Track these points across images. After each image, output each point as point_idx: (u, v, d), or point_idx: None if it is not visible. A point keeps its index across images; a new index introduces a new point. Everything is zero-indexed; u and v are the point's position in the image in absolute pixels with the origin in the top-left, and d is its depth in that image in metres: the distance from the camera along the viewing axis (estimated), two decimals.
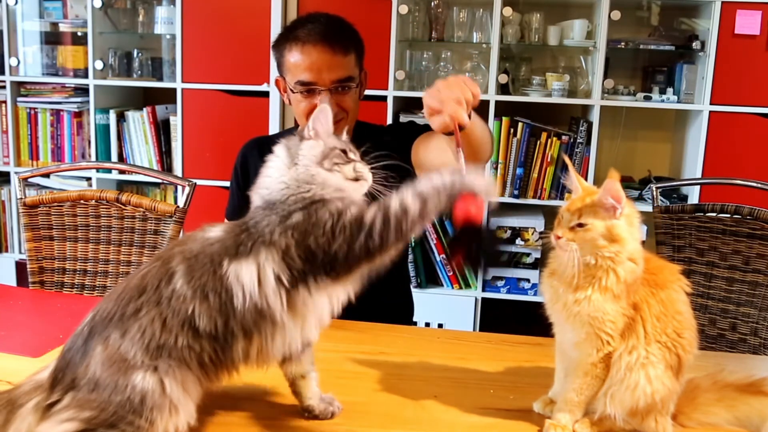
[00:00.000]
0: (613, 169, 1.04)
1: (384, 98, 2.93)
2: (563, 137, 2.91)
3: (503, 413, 1.16)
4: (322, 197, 1.01)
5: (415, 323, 2.00)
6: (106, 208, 1.92)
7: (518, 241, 2.97)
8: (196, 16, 3.02)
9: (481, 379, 1.29)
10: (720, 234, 1.84)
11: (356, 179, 1.06)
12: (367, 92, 1.79)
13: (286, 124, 3.09)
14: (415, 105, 3.01)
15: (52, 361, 1.02)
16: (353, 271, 1.00)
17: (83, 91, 3.19)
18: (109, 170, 3.22)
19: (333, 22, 1.65)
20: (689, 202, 2.87)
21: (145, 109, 3.15)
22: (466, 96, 1.18)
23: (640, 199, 2.93)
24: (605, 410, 1.07)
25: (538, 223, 2.97)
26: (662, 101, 2.89)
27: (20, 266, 3.29)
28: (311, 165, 1.03)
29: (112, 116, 3.17)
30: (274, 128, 3.03)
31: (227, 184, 2.02)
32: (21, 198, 1.92)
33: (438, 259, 3.02)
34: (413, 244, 2.97)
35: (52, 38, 3.26)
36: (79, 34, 3.22)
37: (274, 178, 1.04)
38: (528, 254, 3.01)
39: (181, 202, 1.87)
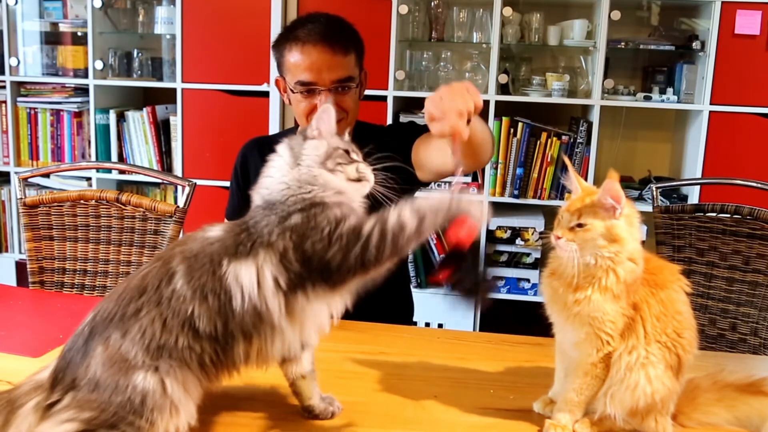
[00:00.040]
0: (612, 170, 1.04)
1: (384, 98, 2.93)
2: (563, 137, 2.91)
3: (503, 413, 1.16)
4: (323, 200, 1.01)
5: (415, 323, 2.00)
6: (106, 208, 1.92)
7: (518, 241, 2.97)
8: (196, 16, 3.02)
9: (481, 379, 1.29)
10: (720, 234, 1.84)
11: (358, 180, 1.06)
12: (367, 92, 1.79)
13: (286, 124, 3.09)
14: (415, 105, 3.01)
15: (52, 361, 1.02)
16: (347, 281, 1.00)
17: (83, 91, 3.19)
18: (109, 170, 3.22)
19: (333, 22, 1.65)
20: (689, 202, 2.87)
21: (145, 109, 3.15)
22: (468, 106, 1.17)
23: (640, 199, 2.93)
24: (605, 410, 1.07)
25: (538, 223, 2.97)
26: (662, 101, 2.89)
27: (20, 266, 3.29)
28: (314, 165, 1.03)
29: (112, 116, 3.17)
30: (274, 128, 3.03)
31: (227, 184, 2.02)
32: (21, 198, 1.92)
33: (438, 259, 3.02)
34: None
35: (52, 38, 3.26)
36: (79, 34, 3.22)
37: (276, 177, 1.04)
38: (528, 254, 3.02)
39: (181, 202, 1.87)
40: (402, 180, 1.13)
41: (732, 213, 1.82)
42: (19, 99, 3.23)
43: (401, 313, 1.89)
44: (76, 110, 3.20)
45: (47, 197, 1.92)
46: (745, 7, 2.74)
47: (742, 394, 1.13)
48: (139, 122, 3.16)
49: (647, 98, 2.90)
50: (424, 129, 1.69)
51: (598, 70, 2.85)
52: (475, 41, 3.00)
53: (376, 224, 0.97)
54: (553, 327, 1.13)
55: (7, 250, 3.37)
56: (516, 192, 2.95)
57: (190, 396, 0.99)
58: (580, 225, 1.03)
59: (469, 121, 1.28)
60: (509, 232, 2.98)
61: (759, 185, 1.92)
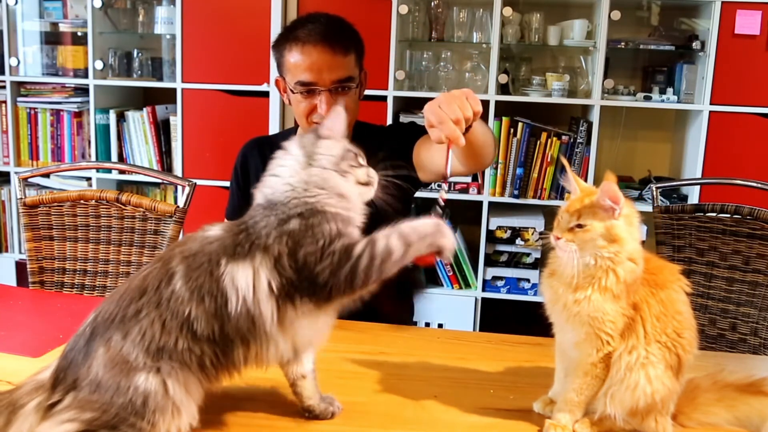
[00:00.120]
0: (609, 172, 1.04)
1: (384, 98, 2.93)
2: (563, 137, 2.91)
3: (503, 413, 1.16)
4: (324, 208, 1.00)
5: (415, 323, 2.00)
6: (106, 208, 1.92)
7: (518, 241, 2.97)
8: (196, 16, 3.02)
9: (481, 379, 1.29)
10: (720, 234, 1.84)
11: (366, 184, 1.06)
12: (367, 92, 1.79)
13: (286, 124, 3.09)
14: (415, 105, 3.01)
15: (53, 361, 1.03)
16: (333, 299, 1.00)
17: (83, 91, 3.19)
18: (109, 170, 3.22)
19: (333, 22, 1.65)
20: (689, 202, 2.87)
21: (145, 109, 3.15)
22: (466, 114, 1.18)
23: (640, 199, 2.93)
24: (605, 410, 1.07)
25: (538, 223, 2.97)
26: (662, 101, 2.89)
27: (20, 266, 3.29)
28: (329, 166, 1.03)
29: (112, 116, 3.17)
30: (274, 128, 3.03)
31: (227, 184, 2.02)
32: (21, 198, 1.92)
33: (438, 259, 3.02)
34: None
35: (52, 38, 3.26)
36: (79, 34, 3.22)
37: (283, 178, 1.04)
38: (528, 254, 3.02)
39: (181, 202, 1.87)
40: (404, 181, 1.13)
41: (732, 213, 1.82)
42: (19, 99, 3.23)
43: (401, 313, 1.89)
44: (76, 110, 3.20)
45: (47, 197, 1.92)
46: (745, 7, 2.74)
47: (742, 394, 1.13)
48: (139, 122, 3.16)
49: (647, 98, 2.90)
50: (425, 130, 1.69)
51: (598, 70, 2.85)
52: (475, 41, 3.00)
53: (366, 247, 0.98)
54: (553, 327, 1.13)
55: (7, 250, 3.37)
56: (516, 192, 2.95)
57: (191, 397, 0.99)
58: (579, 225, 1.03)
59: (470, 128, 1.29)
60: (509, 232, 2.98)
61: (759, 185, 1.92)
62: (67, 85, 3.21)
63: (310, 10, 1.72)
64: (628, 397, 1.05)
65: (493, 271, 3.02)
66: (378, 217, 1.07)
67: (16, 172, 2.99)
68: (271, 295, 0.98)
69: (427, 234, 1.01)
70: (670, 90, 2.90)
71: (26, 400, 0.98)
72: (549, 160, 2.92)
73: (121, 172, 3.20)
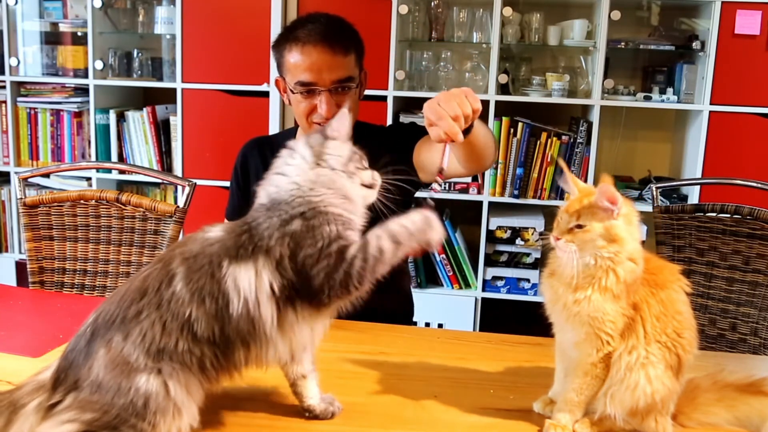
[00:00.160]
0: (605, 174, 1.05)
1: (384, 98, 2.93)
2: (563, 137, 2.91)
3: (503, 413, 1.16)
4: (327, 209, 1.00)
5: (415, 323, 2.00)
6: (106, 208, 1.92)
7: (518, 241, 2.97)
8: (196, 16, 3.02)
9: (481, 379, 1.29)
10: (720, 234, 1.84)
11: (371, 186, 1.06)
12: (367, 92, 1.79)
13: (286, 124, 3.09)
14: (415, 105, 3.01)
15: (54, 362, 1.03)
16: (330, 301, 1.00)
17: (83, 91, 3.19)
18: (109, 170, 3.22)
19: (333, 23, 1.65)
20: (689, 202, 2.87)
21: (145, 109, 3.15)
22: (465, 111, 1.18)
23: (640, 199, 2.93)
24: (605, 410, 1.07)
25: (538, 223, 2.97)
26: (662, 101, 2.89)
27: (20, 266, 3.29)
28: (338, 166, 1.04)
29: (112, 116, 3.17)
30: (274, 128, 3.03)
31: (227, 184, 2.02)
32: (21, 198, 1.92)
33: (438, 259, 3.02)
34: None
35: (52, 38, 3.26)
36: (79, 34, 3.22)
37: (289, 177, 1.04)
38: (528, 254, 3.01)
39: (181, 202, 1.87)
40: (404, 184, 1.13)
41: (732, 213, 1.82)
42: (19, 99, 3.23)
43: (401, 313, 1.89)
44: (76, 110, 3.20)
45: (47, 197, 1.92)
46: (745, 7, 2.74)
47: (742, 394, 1.13)
48: (139, 122, 3.16)
49: (647, 98, 2.90)
50: (425, 130, 1.69)
51: (598, 70, 2.85)
52: (475, 41, 3.00)
53: (359, 249, 0.98)
54: (553, 327, 1.13)
55: (7, 250, 3.37)
56: (516, 192, 2.95)
57: (192, 398, 0.99)
58: (579, 226, 1.04)
59: (471, 127, 1.29)
60: (509, 232, 2.98)
61: (759, 185, 1.92)
62: (67, 85, 3.21)
63: (310, 10, 1.72)
64: (628, 397, 1.05)
65: (493, 271, 3.02)
66: (378, 219, 1.07)
67: (16, 172, 2.99)
68: (272, 298, 0.98)
69: (416, 231, 1.01)
70: (670, 90, 2.90)
71: (27, 400, 0.98)
72: (549, 160, 2.92)
73: (121, 172, 3.20)
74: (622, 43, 2.92)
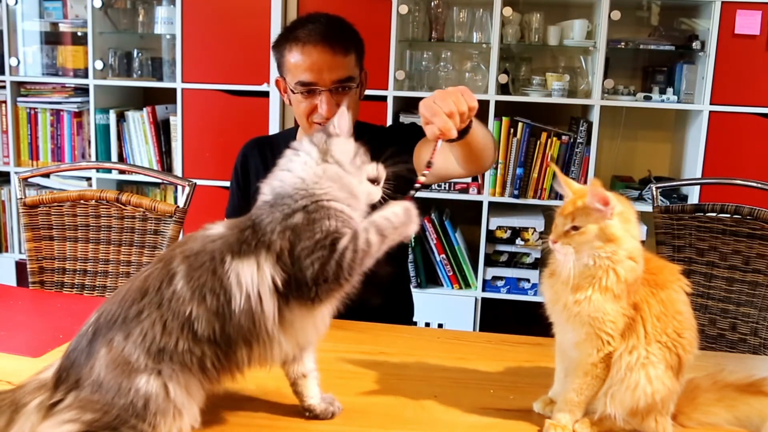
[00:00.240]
0: (595, 178, 1.05)
1: (384, 98, 2.93)
2: (563, 137, 2.91)
3: (503, 413, 1.16)
4: (329, 203, 1.00)
5: (415, 323, 2.00)
6: (106, 208, 1.92)
7: (518, 241, 2.97)
8: (196, 16, 3.02)
9: (481, 379, 1.29)
10: (720, 234, 1.84)
11: (376, 180, 1.06)
12: (367, 92, 1.79)
13: (286, 124, 3.09)
14: (415, 105, 2.98)
15: (56, 361, 1.03)
16: (322, 294, 1.00)
17: (83, 91, 3.19)
18: (109, 170, 3.22)
19: (333, 23, 1.65)
20: (689, 202, 2.87)
21: (145, 109, 3.15)
22: (461, 108, 1.18)
23: (640, 199, 2.94)
24: (605, 410, 1.07)
25: (538, 223, 2.97)
26: (662, 101, 2.89)
27: (20, 266, 3.29)
28: (344, 162, 1.04)
29: (112, 116, 3.17)
30: (274, 128, 3.03)
31: (227, 184, 2.02)
32: (21, 198, 1.92)
33: (438, 259, 3.02)
34: (413, 243, 2.97)
35: (52, 38, 3.26)
36: (79, 34, 3.22)
37: (294, 172, 1.04)
38: (528, 254, 3.01)
39: (181, 202, 1.87)
40: (405, 183, 1.13)
41: (732, 213, 1.82)
42: (19, 99, 3.23)
43: (401, 313, 1.89)
44: (76, 110, 3.20)
45: (47, 197, 1.92)
46: (745, 7, 2.74)
47: (742, 394, 1.13)
48: (139, 122, 3.16)
49: (647, 98, 2.90)
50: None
51: (598, 70, 2.85)
52: (475, 41, 3.00)
53: (350, 241, 0.98)
54: (553, 327, 1.13)
55: (7, 250, 3.37)
56: (516, 192, 2.95)
57: (193, 399, 0.99)
58: (575, 228, 1.04)
59: (469, 127, 1.29)
60: (509, 232, 2.98)
61: (759, 185, 1.92)
62: (67, 85, 3.21)
63: (310, 10, 1.72)
64: (629, 397, 1.05)
65: (493, 271, 3.02)
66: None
67: (16, 172, 2.99)
68: (274, 293, 0.98)
69: (399, 224, 1.01)
70: (670, 90, 2.90)
71: (28, 399, 0.98)
72: (549, 160, 2.92)
73: (121, 172, 3.20)
74: (622, 43, 2.92)
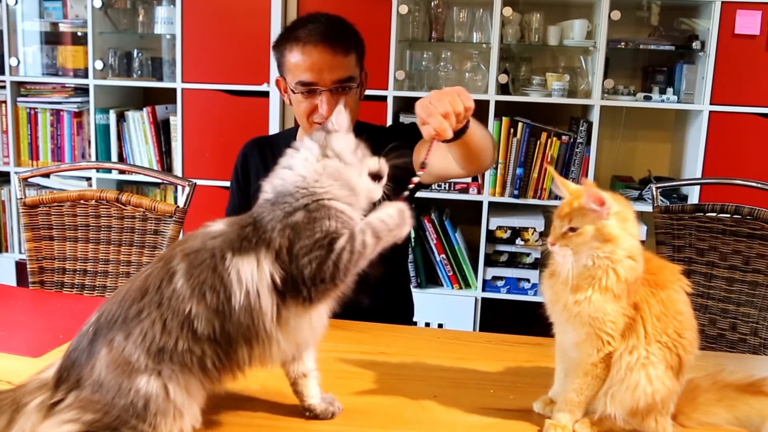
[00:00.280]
0: (584, 178, 1.05)
1: (384, 98, 2.93)
2: (563, 137, 2.91)
3: (503, 413, 1.16)
4: (331, 203, 1.00)
5: (415, 323, 2.00)
6: (106, 208, 1.92)
7: (518, 241, 2.97)
8: (196, 16, 3.02)
9: (481, 379, 1.29)
10: (720, 234, 1.84)
11: (378, 174, 1.06)
12: (367, 92, 1.79)
13: (286, 124, 3.09)
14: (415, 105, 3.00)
15: (57, 360, 1.03)
16: (319, 293, 1.00)
17: (83, 91, 3.19)
18: (109, 170, 3.22)
19: (334, 23, 1.65)
20: (689, 202, 2.87)
21: (145, 109, 3.15)
22: (457, 108, 1.18)
23: (640, 199, 2.94)
24: (605, 410, 1.07)
25: (538, 223, 2.97)
26: (662, 101, 2.89)
27: (20, 266, 3.29)
28: (344, 156, 1.04)
29: (112, 116, 3.17)
30: (274, 128, 3.03)
31: (227, 184, 2.02)
32: (21, 198, 1.92)
33: (438, 259, 3.02)
34: (413, 243, 2.97)
35: (52, 38, 3.26)
36: (79, 34, 3.22)
37: (296, 170, 1.04)
38: (528, 254, 3.01)
39: (181, 202, 1.87)
40: (407, 177, 1.13)
41: (732, 213, 1.82)
42: (19, 99, 3.23)
43: (401, 313, 1.89)
44: (76, 110, 3.20)
45: (47, 197, 1.92)
46: (745, 7, 2.74)
47: (742, 394, 1.13)
48: (139, 122, 3.16)
49: (647, 98, 2.90)
50: None
51: (598, 70, 2.85)
52: (475, 41, 3.00)
53: (347, 241, 0.99)
54: (553, 327, 1.13)
55: (7, 250, 3.37)
56: (516, 192, 2.95)
57: (193, 399, 0.99)
58: (572, 229, 1.04)
59: (466, 127, 1.29)
60: (509, 232, 2.98)
61: (759, 185, 1.92)
62: (67, 85, 3.21)
63: (310, 10, 1.72)
64: (629, 397, 1.05)
65: (493, 271, 3.02)
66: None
67: (16, 172, 2.99)
68: (272, 291, 0.98)
69: (393, 226, 1.01)
70: (670, 90, 2.90)
71: (29, 398, 0.98)
72: (549, 160, 2.92)
73: (121, 172, 3.20)
74: (622, 43, 2.92)
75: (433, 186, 2.95)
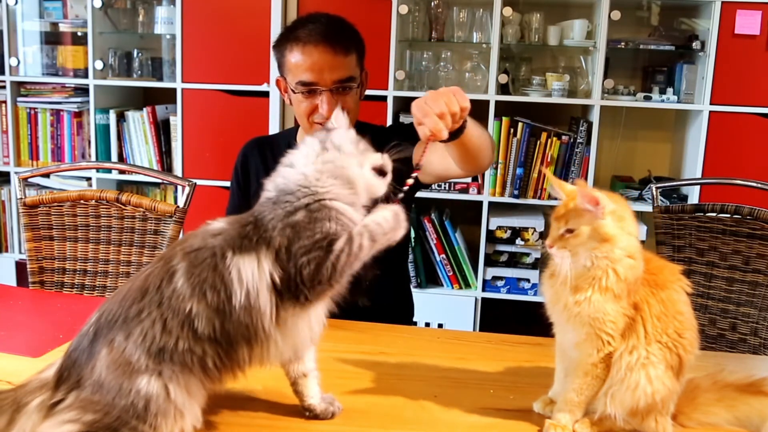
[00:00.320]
0: (578, 179, 1.05)
1: (384, 98, 2.93)
2: (563, 137, 2.91)
3: (503, 413, 1.16)
4: (332, 204, 1.00)
5: (415, 323, 2.00)
6: (106, 208, 1.92)
7: (518, 241, 2.97)
8: (196, 16, 3.02)
9: (481, 379, 1.29)
10: (720, 234, 1.84)
11: (381, 170, 1.06)
12: (367, 92, 1.79)
13: (286, 124, 3.09)
14: None
15: (57, 360, 1.02)
16: (316, 293, 1.00)
17: (83, 91, 3.19)
18: (109, 170, 3.22)
19: (334, 22, 1.65)
20: (689, 202, 2.87)
21: (145, 109, 3.15)
22: (452, 109, 1.18)
23: (640, 199, 2.94)
24: (605, 410, 1.07)
25: (538, 223, 2.97)
26: (662, 101, 2.89)
27: (20, 266, 3.29)
28: (346, 148, 1.04)
29: (112, 116, 3.17)
30: (274, 128, 3.03)
31: (227, 184, 2.02)
32: (21, 198, 1.92)
33: (438, 259, 3.02)
34: (413, 243, 2.97)
35: (52, 38, 3.26)
36: (79, 34, 3.22)
37: (297, 168, 1.04)
38: (528, 254, 3.01)
39: (181, 202, 1.87)
40: (408, 176, 1.13)
41: (732, 213, 1.82)
42: (19, 99, 3.23)
43: (401, 313, 1.89)
44: (76, 110, 3.20)
45: (47, 197, 1.92)
46: (745, 7, 2.74)
47: (742, 394, 1.13)
48: (139, 122, 3.16)
49: (647, 98, 2.90)
50: None
51: (598, 70, 2.85)
52: (475, 41, 3.00)
53: (346, 243, 0.99)
54: (553, 327, 1.13)
55: (7, 250, 3.37)
56: (516, 192, 2.95)
57: (194, 400, 0.99)
58: (569, 231, 1.04)
59: (463, 128, 1.29)
60: (509, 232, 2.98)
61: (759, 185, 1.92)
62: (67, 85, 3.21)
63: (310, 10, 1.72)
64: (629, 397, 1.05)
65: (493, 271, 3.02)
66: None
67: (16, 172, 2.99)
68: (271, 290, 0.98)
69: (389, 230, 1.02)
70: (670, 90, 2.90)
71: (29, 398, 0.98)
72: (549, 160, 2.92)
73: (121, 172, 3.20)
74: (622, 43, 2.92)
75: (433, 186, 2.95)
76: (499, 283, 3.03)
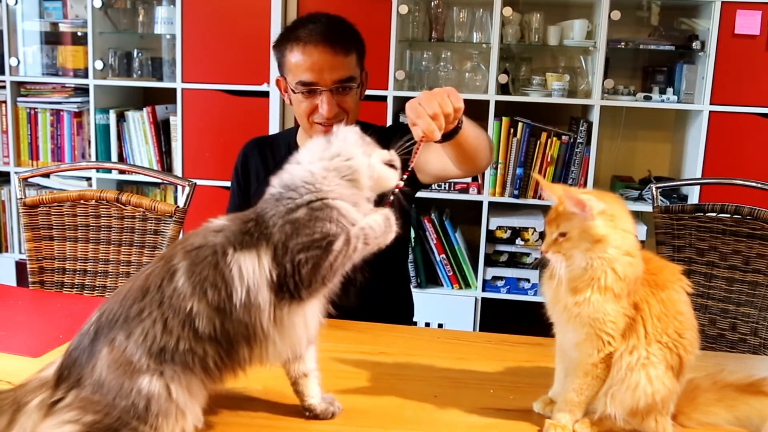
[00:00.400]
0: (562, 185, 1.05)
1: (384, 98, 2.93)
2: (563, 137, 2.91)
3: (503, 413, 1.16)
4: (335, 203, 1.00)
5: (415, 323, 2.00)
6: (106, 208, 1.92)
7: (518, 241, 2.97)
8: (196, 16, 3.02)
9: (481, 379, 1.29)
10: (720, 234, 1.84)
11: (390, 163, 1.06)
12: (367, 92, 1.79)
13: (286, 124, 3.09)
14: None
15: (57, 359, 1.02)
16: (309, 292, 1.00)
17: (83, 91, 3.19)
18: (109, 170, 3.22)
19: (334, 22, 1.65)
20: (689, 202, 2.87)
21: (145, 109, 3.15)
22: (446, 109, 1.18)
23: (640, 199, 2.94)
24: (605, 410, 1.07)
25: (538, 223, 2.97)
26: (662, 101, 2.89)
27: (20, 266, 3.29)
28: (351, 137, 1.04)
29: (112, 116, 3.17)
30: (274, 128, 3.03)
31: (227, 184, 2.02)
32: (21, 198, 1.92)
33: (438, 259, 3.02)
34: (413, 243, 2.97)
35: (52, 38, 3.26)
36: (79, 34, 3.22)
37: (303, 165, 1.04)
38: (528, 254, 3.02)
39: (181, 202, 1.87)
40: (408, 180, 1.13)
41: (732, 213, 1.82)
42: (19, 99, 3.23)
43: (401, 313, 1.89)
44: (76, 110, 3.20)
45: (47, 197, 1.92)
46: (745, 7, 2.74)
47: (742, 394, 1.13)
48: (139, 122, 3.16)
49: (647, 98, 2.90)
50: None
51: (598, 70, 2.85)
52: (475, 41, 3.00)
53: (344, 244, 0.99)
54: (553, 327, 1.13)
55: (7, 250, 3.37)
56: (516, 192, 2.95)
57: (195, 399, 0.99)
58: (562, 234, 1.03)
59: (459, 128, 1.29)
60: (509, 232, 2.98)
61: (759, 185, 1.92)
62: (67, 85, 3.21)
63: (310, 10, 1.72)
64: (629, 397, 1.05)
65: (493, 271, 3.02)
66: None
67: (16, 172, 2.98)
68: (270, 288, 0.98)
69: (380, 234, 1.03)
70: (670, 90, 2.90)
71: (30, 397, 0.98)
72: (549, 160, 2.92)
73: (121, 172, 3.20)
74: (622, 43, 2.92)
75: (433, 186, 2.95)
76: (499, 283, 3.03)
